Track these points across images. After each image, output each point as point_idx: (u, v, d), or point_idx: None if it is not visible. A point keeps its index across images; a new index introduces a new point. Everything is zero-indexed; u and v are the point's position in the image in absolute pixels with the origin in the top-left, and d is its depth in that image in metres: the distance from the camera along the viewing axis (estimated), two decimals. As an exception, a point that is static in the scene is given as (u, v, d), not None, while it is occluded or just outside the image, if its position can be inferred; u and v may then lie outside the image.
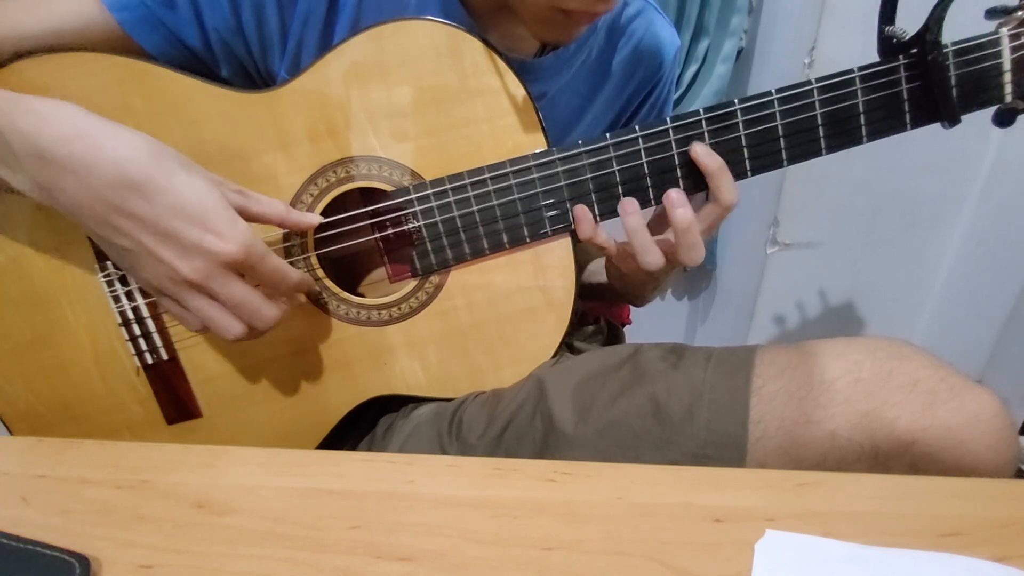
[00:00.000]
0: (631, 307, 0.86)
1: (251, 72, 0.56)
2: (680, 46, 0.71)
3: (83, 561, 0.33)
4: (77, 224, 0.51)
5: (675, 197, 0.50)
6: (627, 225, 0.52)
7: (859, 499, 0.36)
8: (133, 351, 0.55)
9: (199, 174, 0.44)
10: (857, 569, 0.31)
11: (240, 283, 0.45)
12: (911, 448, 0.41)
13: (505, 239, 0.54)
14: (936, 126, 0.52)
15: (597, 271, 0.75)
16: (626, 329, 0.84)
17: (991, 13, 0.51)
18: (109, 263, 0.53)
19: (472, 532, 0.35)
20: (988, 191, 1.21)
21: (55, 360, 0.54)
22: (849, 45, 1.05)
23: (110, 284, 0.53)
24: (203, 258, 0.43)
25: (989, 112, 0.52)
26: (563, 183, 0.53)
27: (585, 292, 0.76)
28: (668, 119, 0.51)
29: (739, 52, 1.17)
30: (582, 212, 0.53)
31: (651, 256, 0.51)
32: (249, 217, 0.46)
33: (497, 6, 0.55)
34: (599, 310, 0.81)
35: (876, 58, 0.51)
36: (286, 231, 0.53)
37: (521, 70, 0.52)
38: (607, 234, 0.54)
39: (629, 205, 0.52)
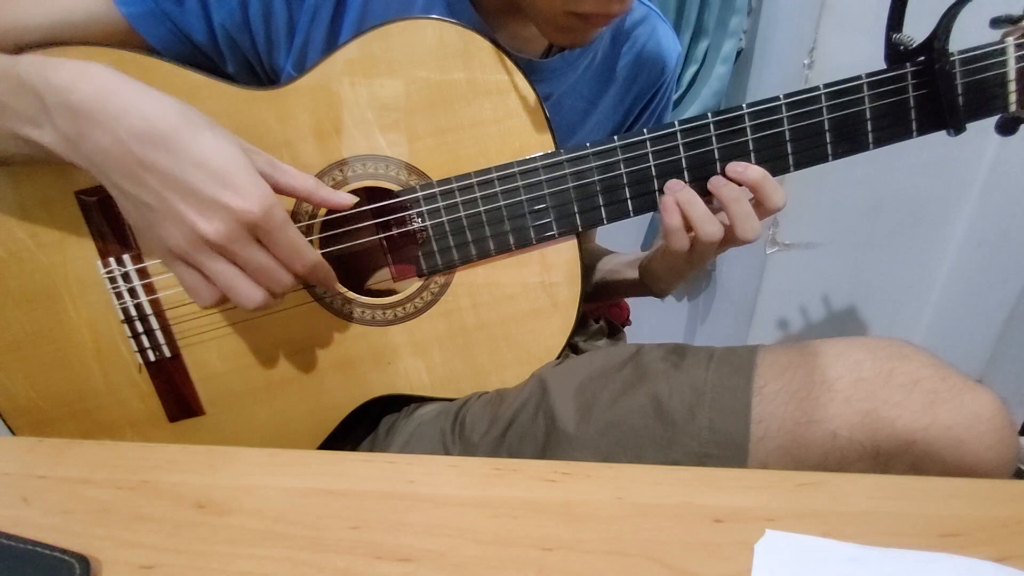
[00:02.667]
0: (631, 308, 0.86)
1: (256, 68, 0.56)
2: (681, 52, 0.71)
3: (83, 561, 0.33)
4: (80, 221, 0.52)
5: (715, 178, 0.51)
6: (725, 197, 0.51)
7: (859, 499, 0.36)
8: (135, 348, 0.55)
9: (227, 136, 0.44)
10: (857, 569, 0.31)
11: (261, 248, 0.44)
12: (912, 448, 0.41)
13: (511, 240, 0.54)
14: (936, 128, 0.52)
15: (612, 268, 0.74)
16: (626, 329, 0.84)
17: (996, 22, 0.50)
18: (111, 259, 0.53)
19: (472, 532, 0.35)
20: (988, 191, 1.21)
21: (56, 355, 0.54)
22: (849, 46, 1.05)
23: (112, 280, 0.53)
24: (222, 216, 0.42)
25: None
26: (570, 185, 0.53)
27: (599, 290, 0.75)
28: (676, 122, 0.51)
29: (739, 53, 1.17)
30: (676, 183, 0.52)
31: (751, 223, 0.50)
32: (276, 187, 0.45)
33: (505, 7, 0.55)
34: (600, 310, 0.81)
35: (876, 59, 0.51)
36: None
37: (528, 71, 0.52)
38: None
39: (718, 180, 0.52)
